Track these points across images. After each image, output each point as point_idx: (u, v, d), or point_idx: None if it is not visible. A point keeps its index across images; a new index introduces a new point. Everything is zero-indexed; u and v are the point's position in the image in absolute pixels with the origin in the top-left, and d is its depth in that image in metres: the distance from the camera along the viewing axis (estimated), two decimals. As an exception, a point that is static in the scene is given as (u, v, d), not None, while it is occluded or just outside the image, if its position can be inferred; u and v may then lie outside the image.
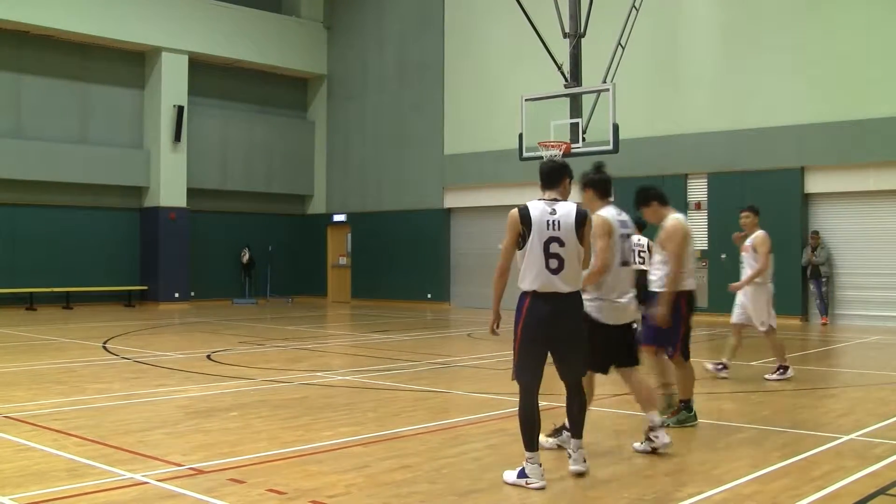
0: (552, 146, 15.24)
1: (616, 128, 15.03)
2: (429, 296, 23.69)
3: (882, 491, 5.19)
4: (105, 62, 22.88)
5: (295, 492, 5.12)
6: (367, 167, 25.61)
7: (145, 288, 23.28)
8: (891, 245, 17.14)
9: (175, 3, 23.33)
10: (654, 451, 6.10)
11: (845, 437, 6.70)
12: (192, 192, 23.77)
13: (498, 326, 5.56)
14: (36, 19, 20.91)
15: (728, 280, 10.32)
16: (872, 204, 17.47)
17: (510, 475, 5.34)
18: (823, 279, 17.59)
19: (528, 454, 5.27)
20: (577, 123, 15.57)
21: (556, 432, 6.27)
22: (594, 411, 7.14)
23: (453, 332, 16.95)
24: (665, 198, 7.30)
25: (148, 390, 9.03)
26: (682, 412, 7.14)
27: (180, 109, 23.21)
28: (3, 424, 7.12)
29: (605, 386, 7.74)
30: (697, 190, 19.43)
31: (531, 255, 5.36)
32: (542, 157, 15.08)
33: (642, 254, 9.97)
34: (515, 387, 5.46)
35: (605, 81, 15.55)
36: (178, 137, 23.22)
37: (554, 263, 5.34)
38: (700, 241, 19.11)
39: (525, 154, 16.07)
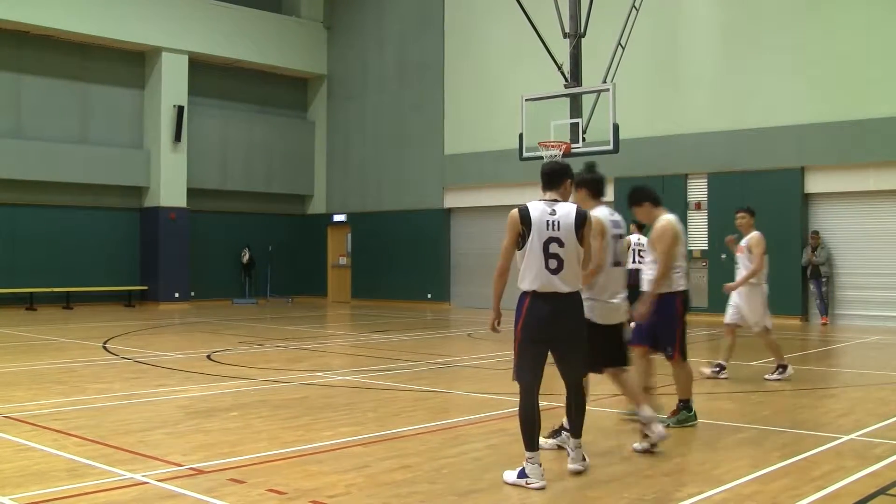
0: (552, 146, 15.24)
1: (616, 128, 15.03)
2: (429, 296, 23.69)
3: (882, 491, 5.19)
4: (105, 62, 22.88)
5: (295, 492, 5.12)
6: (367, 167, 25.61)
7: (145, 288, 23.28)
8: (891, 245, 17.14)
9: (175, 3, 23.33)
10: (653, 448, 6.11)
11: (845, 437, 6.70)
12: (192, 192, 23.78)
13: (499, 324, 5.57)
14: (36, 19, 20.91)
15: (728, 280, 10.32)
16: (872, 204, 17.47)
17: (510, 475, 5.34)
18: (823, 279, 17.60)
19: (528, 454, 5.28)
20: (578, 123, 15.58)
21: (556, 433, 6.28)
22: (593, 411, 7.15)
23: (453, 332, 16.95)
24: (658, 198, 7.29)
25: (148, 390, 9.03)
26: (682, 412, 7.14)
27: (180, 109, 23.22)
28: (3, 424, 7.12)
29: (605, 386, 7.73)
30: (697, 190, 19.43)
31: (531, 255, 5.38)
32: (542, 157, 15.10)
33: (642, 253, 9.97)
34: (515, 387, 5.47)
35: (605, 81, 15.55)
36: (178, 137, 23.23)
37: (553, 263, 5.35)
38: (700, 241, 19.13)
39: (525, 154, 16.08)
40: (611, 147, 14.99)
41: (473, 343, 14.69)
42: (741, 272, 9.90)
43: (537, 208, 5.42)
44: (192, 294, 23.71)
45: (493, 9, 21.91)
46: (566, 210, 5.43)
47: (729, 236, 10.60)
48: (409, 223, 24.21)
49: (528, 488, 5.21)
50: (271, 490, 5.14)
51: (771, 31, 18.30)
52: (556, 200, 5.51)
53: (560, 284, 5.36)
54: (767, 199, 17.69)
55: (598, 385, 7.05)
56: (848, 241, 17.71)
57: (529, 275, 5.38)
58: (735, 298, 10.01)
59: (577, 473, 5.55)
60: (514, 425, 5.59)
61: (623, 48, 15.82)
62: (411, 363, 11.43)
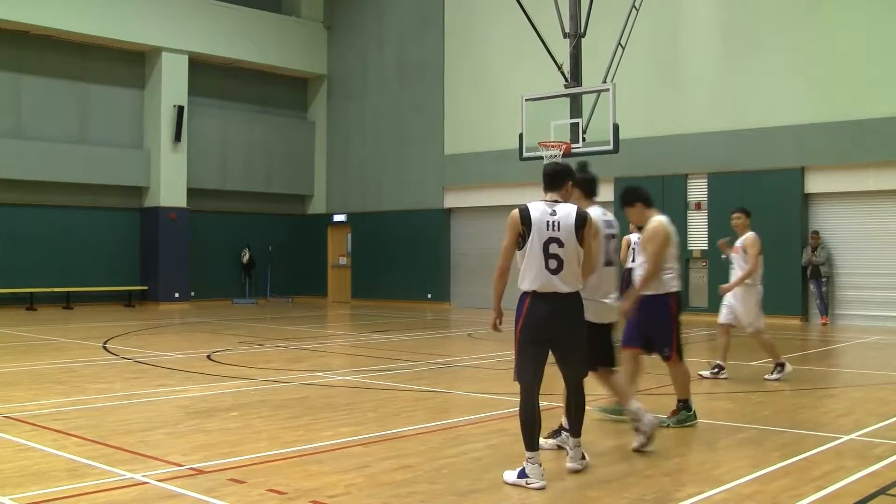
0: (552, 146, 15.23)
1: (616, 128, 15.03)
2: (429, 296, 23.70)
3: (882, 491, 5.19)
4: (105, 62, 22.89)
5: (295, 492, 5.12)
6: (367, 167, 25.61)
7: (145, 288, 23.28)
8: (891, 245, 17.15)
9: (175, 3, 23.33)
10: (649, 441, 6.11)
11: (845, 437, 6.70)
12: (192, 192, 23.78)
13: (501, 323, 5.58)
14: (36, 19, 20.91)
15: (728, 280, 10.32)
16: (872, 204, 17.47)
17: (510, 475, 5.35)
18: (823, 279, 17.60)
19: (528, 454, 5.28)
20: (578, 123, 15.57)
21: (555, 433, 6.29)
22: (593, 411, 7.15)
23: (453, 332, 16.95)
24: (650, 200, 7.30)
25: (148, 390, 9.03)
26: (681, 412, 7.15)
27: (180, 109, 23.22)
28: (3, 424, 7.12)
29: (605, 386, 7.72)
30: (697, 190, 19.43)
31: (531, 256, 5.39)
32: (542, 157, 15.10)
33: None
34: (515, 387, 5.47)
35: (605, 81, 15.55)
36: (178, 137, 23.23)
37: (553, 264, 5.37)
38: (700, 241, 19.13)
39: (525, 154, 16.08)
40: (611, 147, 14.98)
41: (473, 343, 14.69)
42: (736, 273, 9.91)
43: (538, 209, 5.44)
44: (192, 294, 23.71)
45: (493, 9, 21.91)
46: (567, 211, 5.44)
47: (721, 240, 10.62)
48: (409, 223, 24.21)
49: (528, 488, 5.21)
50: (271, 490, 5.14)
51: (771, 31, 18.30)
52: (556, 201, 5.53)
53: (560, 284, 5.37)
54: (767, 199, 17.71)
55: (598, 385, 7.05)
56: (848, 241, 17.71)
57: (529, 275, 5.40)
58: (729, 298, 10.01)
59: (576, 472, 5.56)
60: (515, 425, 5.59)
61: (623, 48, 15.82)
62: (411, 363, 11.43)
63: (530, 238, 5.38)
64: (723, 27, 19.13)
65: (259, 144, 25.74)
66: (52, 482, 5.33)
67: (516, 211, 5.45)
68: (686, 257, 19.14)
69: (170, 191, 23.21)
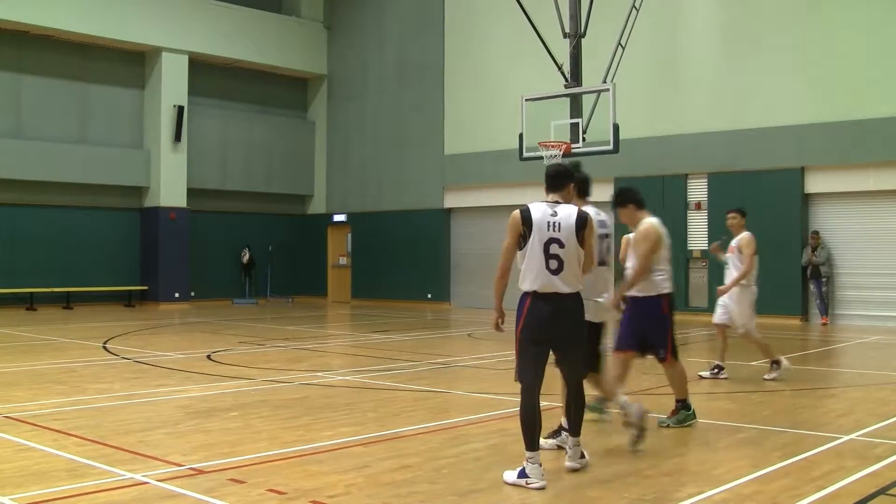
0: (552, 146, 15.22)
1: (616, 128, 15.02)
2: (429, 296, 23.70)
3: (882, 491, 5.19)
4: (105, 62, 22.89)
5: (295, 492, 5.12)
6: (367, 167, 25.61)
7: (145, 288, 23.28)
8: (891, 245, 17.14)
9: (175, 3, 23.33)
10: (641, 433, 6.10)
11: (845, 437, 6.70)
12: (192, 192, 23.78)
13: (503, 323, 5.60)
14: (36, 19, 20.91)
15: (724, 280, 10.31)
16: (872, 204, 17.47)
17: (510, 475, 5.35)
18: (823, 279, 17.59)
19: (528, 454, 5.28)
20: (578, 123, 15.56)
21: (555, 433, 6.30)
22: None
23: (453, 332, 16.95)
24: (642, 201, 7.29)
25: (148, 390, 9.03)
26: (680, 412, 7.15)
27: (180, 109, 23.22)
28: (3, 424, 7.12)
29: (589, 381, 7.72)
30: (697, 190, 19.43)
31: (531, 256, 5.42)
32: (542, 158, 15.10)
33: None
34: (515, 387, 5.48)
35: (605, 81, 15.54)
36: (178, 137, 23.23)
37: (554, 264, 5.39)
38: (700, 241, 19.12)
39: (525, 154, 16.07)
40: (611, 147, 14.97)
41: (473, 343, 14.69)
42: (731, 272, 9.90)
43: (539, 209, 5.47)
44: (192, 294, 23.71)
45: (493, 9, 21.91)
46: (567, 212, 5.47)
47: (714, 244, 10.61)
48: (409, 223, 24.21)
49: (529, 488, 5.21)
50: (271, 490, 5.14)
51: (771, 31, 18.30)
52: (557, 202, 5.57)
53: (560, 285, 5.39)
54: (767, 199, 17.72)
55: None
56: (848, 241, 17.70)
57: (530, 275, 5.43)
58: (725, 299, 10.01)
59: (574, 471, 5.57)
60: (515, 425, 5.59)
61: (623, 48, 15.81)
62: (411, 363, 11.43)
63: (531, 238, 5.41)
64: (723, 27, 19.13)
65: (259, 144, 25.74)
66: (52, 482, 5.33)
67: (517, 211, 5.49)
68: (686, 257, 19.15)
69: (170, 191, 23.21)
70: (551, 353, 5.53)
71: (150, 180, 23.31)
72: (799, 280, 17.85)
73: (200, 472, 5.61)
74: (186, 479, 5.44)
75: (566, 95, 15.99)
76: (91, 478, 5.42)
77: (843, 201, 17.88)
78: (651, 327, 7.10)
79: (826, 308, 17.63)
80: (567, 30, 16.13)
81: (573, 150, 15.20)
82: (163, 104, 23.05)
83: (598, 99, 15.67)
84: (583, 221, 5.46)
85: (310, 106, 27.32)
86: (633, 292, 7.12)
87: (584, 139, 15.47)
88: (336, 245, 26.57)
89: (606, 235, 6.44)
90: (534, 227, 5.40)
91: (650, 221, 7.15)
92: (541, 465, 5.29)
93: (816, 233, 17.76)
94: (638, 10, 15.98)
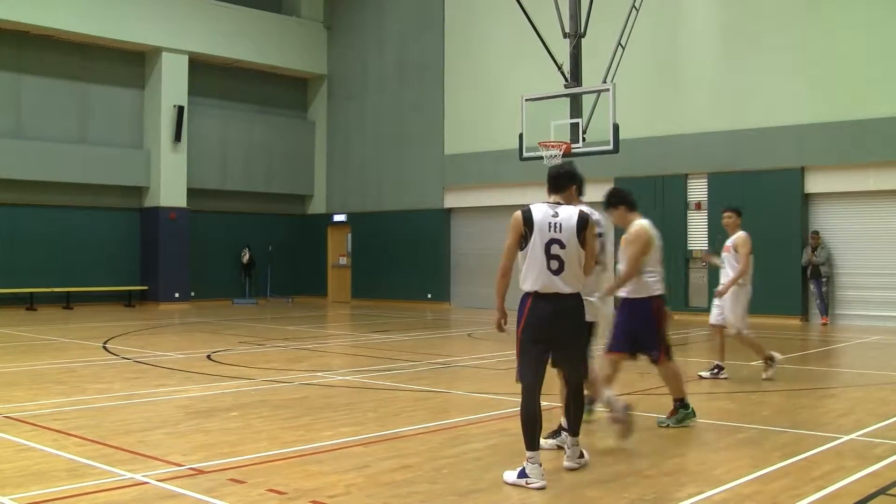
0: (552, 146, 15.23)
1: (616, 128, 15.02)
2: (429, 296, 23.70)
3: (882, 491, 5.19)
4: (105, 62, 22.88)
5: (295, 492, 5.12)
6: (367, 167, 25.61)
7: (145, 288, 23.28)
8: (891, 245, 17.14)
9: (175, 3, 23.33)
10: (628, 429, 6.10)
11: (845, 437, 6.70)
12: (192, 192, 23.78)
13: (505, 323, 5.61)
14: (36, 19, 20.91)
15: (719, 280, 10.30)
16: (872, 204, 17.47)
17: (510, 475, 5.35)
18: (823, 279, 17.59)
19: (528, 454, 5.29)
20: (578, 123, 15.57)
21: (555, 433, 6.30)
22: (594, 411, 7.15)
23: (453, 332, 16.95)
24: (633, 203, 7.30)
25: (148, 390, 9.03)
26: (679, 411, 7.14)
27: (180, 109, 23.22)
28: (3, 424, 7.12)
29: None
30: (697, 190, 19.42)
31: (532, 256, 5.43)
32: (542, 158, 15.11)
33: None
34: (515, 387, 5.49)
35: (605, 81, 15.55)
36: (178, 137, 23.23)
37: (555, 264, 5.41)
38: (700, 241, 19.12)
39: (525, 154, 16.08)
40: (611, 147, 14.98)
41: (473, 343, 14.70)
42: (727, 272, 9.89)
43: (540, 210, 5.49)
44: (192, 294, 23.71)
45: (493, 9, 21.91)
46: (569, 213, 5.50)
47: (705, 254, 10.59)
48: (409, 223, 24.21)
49: (529, 488, 5.21)
50: (271, 490, 5.14)
51: (771, 31, 18.30)
52: (558, 203, 5.60)
53: (561, 285, 5.41)
54: (767, 199, 17.72)
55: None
56: (848, 241, 17.70)
57: (531, 276, 5.44)
58: (720, 298, 10.01)
59: (573, 471, 5.58)
60: (515, 425, 5.59)
61: (623, 48, 15.82)
62: (411, 363, 11.43)
63: (532, 239, 5.42)
64: (723, 27, 19.13)
65: (259, 144, 25.74)
66: (52, 482, 5.33)
67: (519, 212, 5.52)
68: (686, 257, 19.15)
69: (170, 191, 23.21)
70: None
71: (150, 180, 23.31)
72: (799, 280, 17.85)
73: (200, 472, 5.61)
74: (186, 479, 5.44)
75: (566, 95, 15.99)
76: (91, 478, 5.42)
77: (843, 201, 17.88)
78: (642, 329, 7.10)
79: (826, 308, 17.63)
80: (567, 30, 16.13)
81: (573, 150, 15.21)
82: (163, 104, 23.05)
83: (598, 99, 15.68)
84: (584, 223, 5.47)
85: (310, 106, 27.33)
86: (624, 294, 7.13)
87: (584, 139, 15.48)
88: (336, 245, 26.57)
89: (601, 235, 6.45)
90: (535, 228, 5.42)
91: (641, 223, 7.16)
92: (541, 465, 5.29)
93: (816, 233, 17.76)
94: (638, 10, 15.98)
